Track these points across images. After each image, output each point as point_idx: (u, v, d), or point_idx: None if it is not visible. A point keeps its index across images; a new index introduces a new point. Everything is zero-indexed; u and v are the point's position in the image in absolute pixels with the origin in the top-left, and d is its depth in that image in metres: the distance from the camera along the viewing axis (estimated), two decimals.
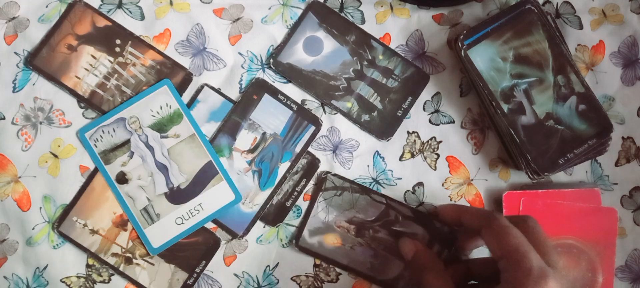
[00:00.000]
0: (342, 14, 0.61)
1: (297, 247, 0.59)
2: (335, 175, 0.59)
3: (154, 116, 0.58)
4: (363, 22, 0.62)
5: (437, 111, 0.62)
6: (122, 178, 0.57)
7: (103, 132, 0.58)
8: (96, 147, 0.58)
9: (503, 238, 0.47)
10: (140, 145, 0.58)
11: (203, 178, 0.58)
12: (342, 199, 0.59)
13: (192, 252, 0.58)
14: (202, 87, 0.60)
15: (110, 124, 0.58)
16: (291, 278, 0.60)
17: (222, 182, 0.58)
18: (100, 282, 0.58)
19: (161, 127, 0.58)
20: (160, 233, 0.58)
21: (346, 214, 0.59)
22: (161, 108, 0.58)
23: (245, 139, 0.59)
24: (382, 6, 0.62)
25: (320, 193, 0.59)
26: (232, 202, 0.58)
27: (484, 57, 0.57)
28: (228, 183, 0.58)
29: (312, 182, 0.60)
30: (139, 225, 0.57)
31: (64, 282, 0.58)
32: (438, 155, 0.61)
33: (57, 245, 0.58)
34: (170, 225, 0.58)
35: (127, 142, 0.58)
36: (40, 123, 0.58)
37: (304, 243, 0.59)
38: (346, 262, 0.59)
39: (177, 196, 0.58)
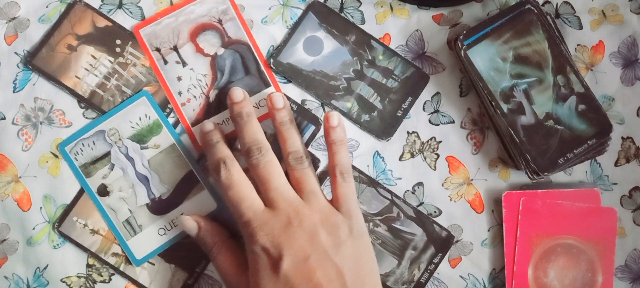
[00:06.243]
0: (342, 14, 0.61)
1: None
2: None
3: (133, 127, 0.58)
4: (363, 22, 0.62)
5: (436, 111, 0.62)
6: (103, 191, 0.57)
7: (83, 145, 0.57)
8: (77, 160, 0.57)
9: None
10: (120, 157, 0.57)
11: (184, 188, 0.58)
12: None
13: (193, 251, 0.58)
14: None
15: (90, 136, 0.58)
16: None
17: (203, 191, 0.58)
18: (101, 281, 0.59)
19: (141, 138, 0.58)
20: (143, 245, 0.57)
21: None
22: (140, 119, 0.58)
23: None
24: (382, 6, 0.62)
25: (328, 177, 0.59)
26: (213, 210, 0.58)
27: (483, 57, 0.57)
28: (209, 192, 0.58)
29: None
30: (121, 237, 0.57)
31: (64, 281, 0.58)
32: (438, 155, 0.61)
33: (58, 245, 0.58)
34: (153, 236, 0.57)
35: (108, 154, 0.58)
36: (41, 123, 0.59)
37: None
38: None
39: (159, 207, 0.58)
